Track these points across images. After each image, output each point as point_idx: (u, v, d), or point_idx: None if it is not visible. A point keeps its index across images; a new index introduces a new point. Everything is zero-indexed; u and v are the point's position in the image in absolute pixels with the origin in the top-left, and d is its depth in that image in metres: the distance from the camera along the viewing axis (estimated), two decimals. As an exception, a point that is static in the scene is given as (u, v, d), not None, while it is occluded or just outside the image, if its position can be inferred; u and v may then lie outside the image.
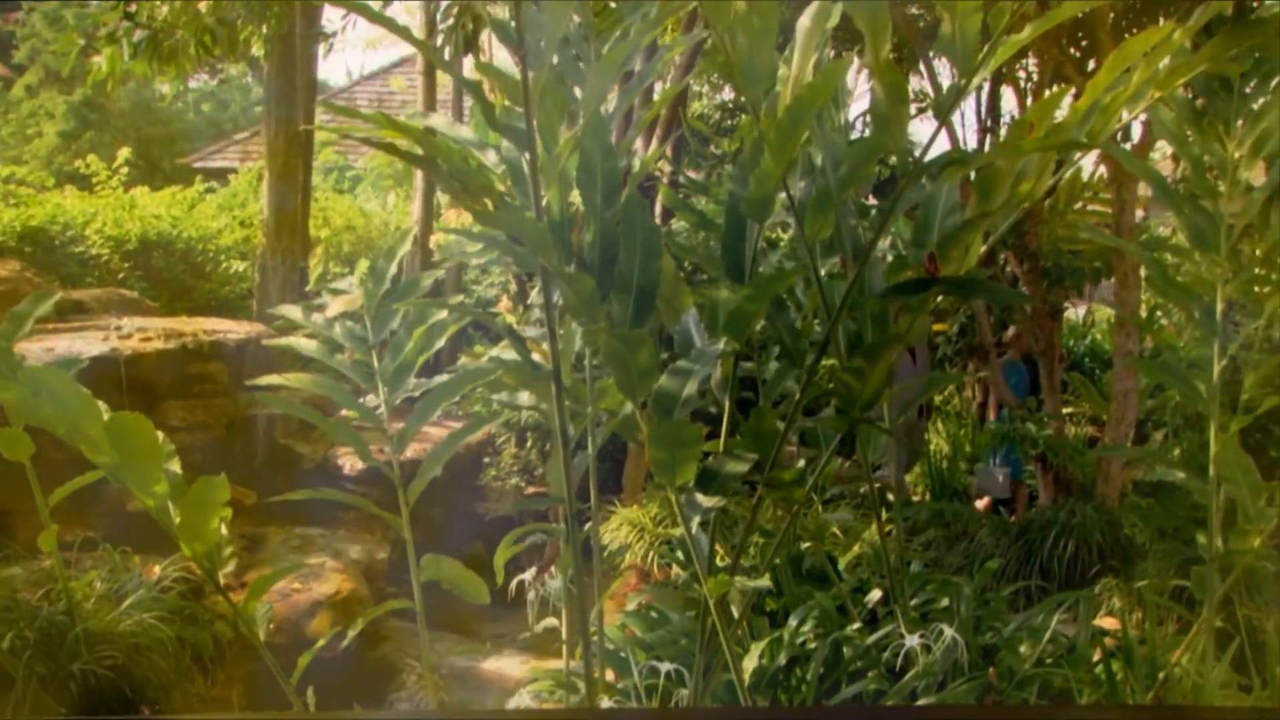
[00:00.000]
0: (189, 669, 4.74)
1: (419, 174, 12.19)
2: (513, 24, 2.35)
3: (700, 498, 2.47)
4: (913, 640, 3.49)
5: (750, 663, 3.74)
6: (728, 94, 14.20)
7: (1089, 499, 7.41)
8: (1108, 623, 5.82)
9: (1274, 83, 3.30)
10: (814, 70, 2.44)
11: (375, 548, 6.55)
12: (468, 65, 8.12)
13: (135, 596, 4.70)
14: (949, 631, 3.53)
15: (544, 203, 2.47)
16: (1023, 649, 4.14)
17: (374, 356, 3.32)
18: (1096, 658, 4.23)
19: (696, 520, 2.52)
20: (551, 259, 2.33)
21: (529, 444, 9.34)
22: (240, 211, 12.24)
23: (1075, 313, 12.11)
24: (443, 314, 3.35)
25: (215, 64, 20.14)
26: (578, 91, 2.69)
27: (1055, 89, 8.47)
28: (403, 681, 5.51)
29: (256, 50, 8.79)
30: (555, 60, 2.56)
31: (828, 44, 2.63)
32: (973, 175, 2.71)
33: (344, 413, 3.89)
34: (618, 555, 7.04)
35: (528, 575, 3.79)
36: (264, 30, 7.78)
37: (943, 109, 2.43)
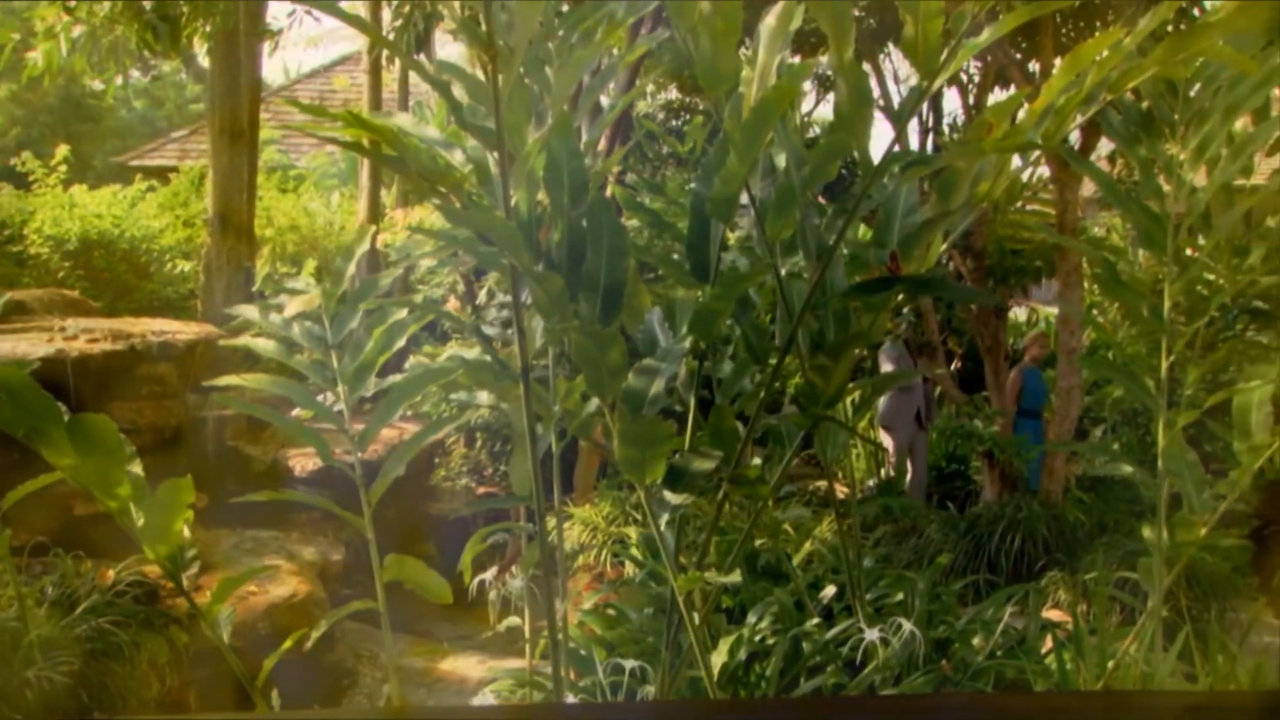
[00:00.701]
0: (145, 674, 4.68)
1: (364, 173, 12.09)
2: (482, 24, 2.35)
3: (669, 495, 2.49)
4: (872, 634, 3.54)
5: (718, 659, 3.77)
6: (672, 94, 14.27)
7: (1034, 494, 7.56)
8: (1054, 615, 5.93)
9: (1216, 86, 3.39)
10: (777, 71, 2.47)
11: (329, 549, 6.49)
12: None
13: (89, 601, 4.63)
14: (908, 625, 3.58)
15: (512, 202, 2.48)
16: (975, 641, 4.22)
17: (333, 356, 3.29)
18: (1046, 648, 4.32)
19: (665, 518, 2.54)
20: (522, 258, 2.34)
21: (479, 444, 9.29)
22: (183, 211, 12.04)
23: (1016, 312, 12.32)
24: (403, 313, 3.33)
25: (149, 60, 19.77)
26: (534, 86, 2.70)
27: (998, 89, 8.64)
28: (358, 682, 5.47)
29: (199, 47, 8.66)
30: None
31: (789, 45, 2.66)
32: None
33: (296, 413, 3.84)
34: (570, 556, 7.04)
35: (489, 575, 3.79)
36: (208, 27, 7.66)
37: (904, 110, 2.47)
